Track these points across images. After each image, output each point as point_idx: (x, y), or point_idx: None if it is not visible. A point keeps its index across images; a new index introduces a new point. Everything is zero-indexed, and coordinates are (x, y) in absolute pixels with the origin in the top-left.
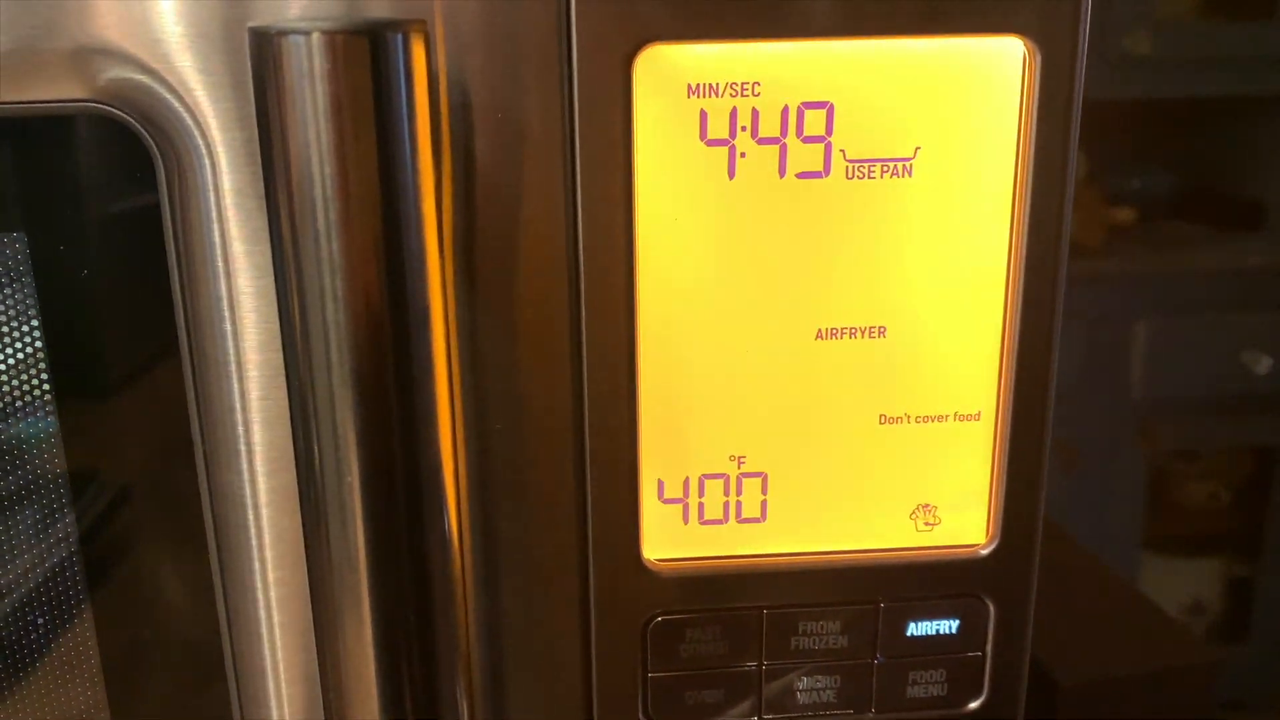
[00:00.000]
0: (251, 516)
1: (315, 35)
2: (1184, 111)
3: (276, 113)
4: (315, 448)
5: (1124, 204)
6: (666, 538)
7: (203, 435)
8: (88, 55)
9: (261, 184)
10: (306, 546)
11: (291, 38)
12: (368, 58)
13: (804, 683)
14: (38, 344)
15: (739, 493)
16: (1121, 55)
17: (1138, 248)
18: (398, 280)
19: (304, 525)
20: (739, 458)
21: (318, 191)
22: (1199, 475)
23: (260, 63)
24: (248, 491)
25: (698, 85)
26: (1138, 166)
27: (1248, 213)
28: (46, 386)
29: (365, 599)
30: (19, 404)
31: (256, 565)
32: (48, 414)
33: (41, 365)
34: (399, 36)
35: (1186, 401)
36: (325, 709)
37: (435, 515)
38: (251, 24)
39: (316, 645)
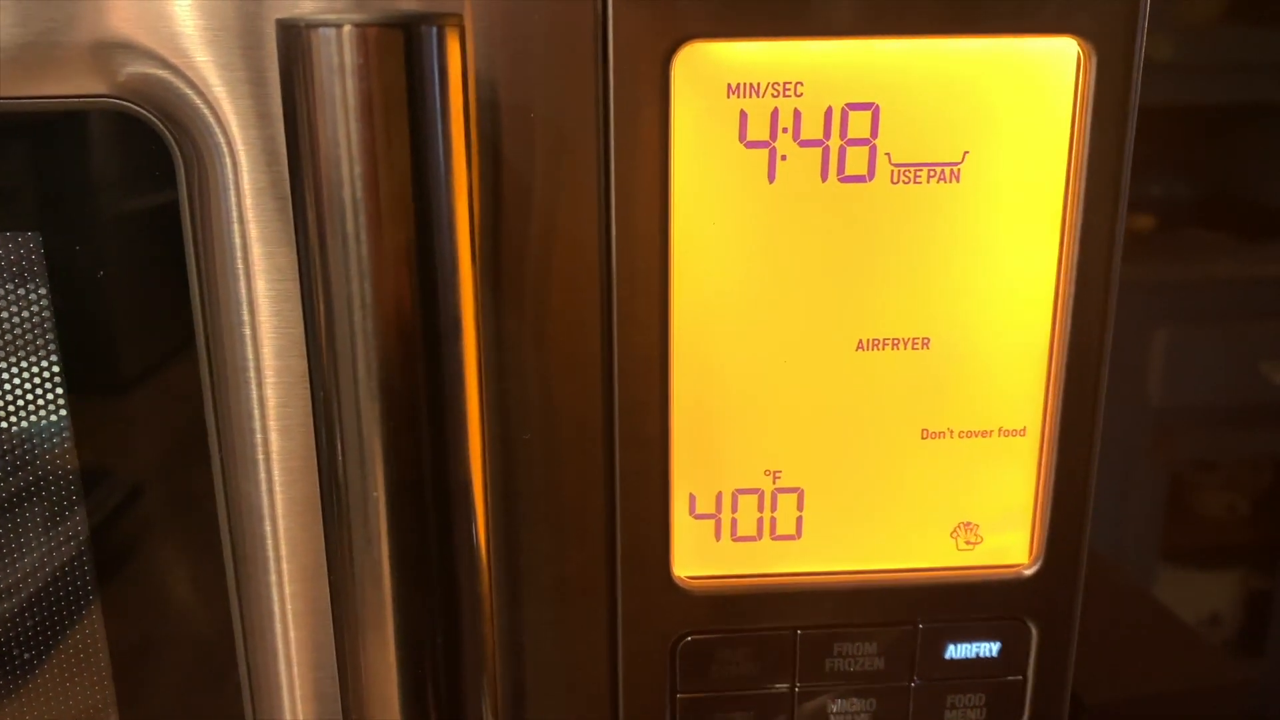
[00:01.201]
0: (269, 528)
1: (347, 28)
2: (1204, 118)
3: (305, 109)
4: (340, 459)
5: (1143, 211)
6: (697, 554)
7: (220, 443)
8: (107, 50)
9: (283, 184)
10: (329, 560)
11: (322, 30)
12: (401, 52)
13: (838, 705)
14: (52, 344)
15: (773, 509)
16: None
17: (1156, 255)
18: (429, 286)
19: (326, 539)
20: (774, 472)
21: (347, 192)
22: (1218, 486)
23: (288, 56)
24: (265, 502)
25: (738, 85)
26: (1157, 173)
27: (1268, 220)
28: (60, 388)
29: (389, 615)
30: (33, 404)
31: (273, 578)
32: (61, 414)
33: (55, 366)
34: (434, 30)
35: (1205, 411)
36: None
37: (463, 529)
38: (278, 17)
39: (338, 662)
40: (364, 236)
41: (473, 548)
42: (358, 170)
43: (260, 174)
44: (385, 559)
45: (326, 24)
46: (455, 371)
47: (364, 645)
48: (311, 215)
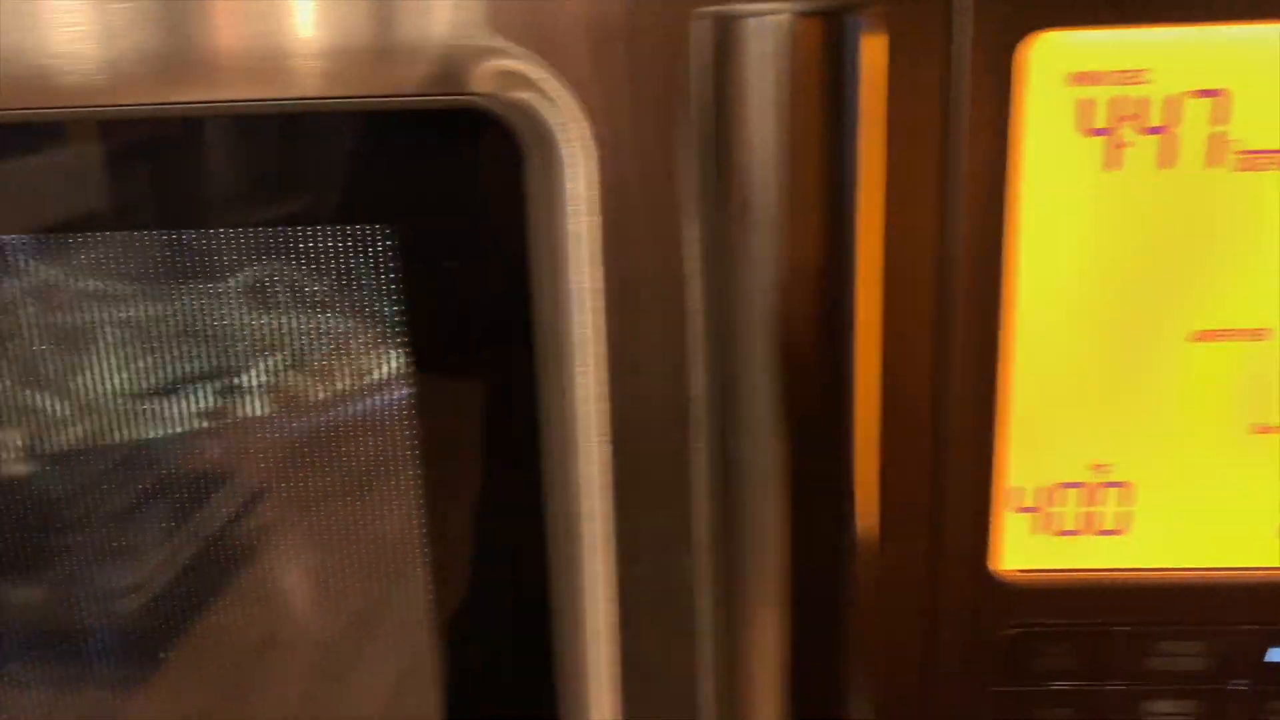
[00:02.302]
0: (597, 507)
1: (782, 17)
2: None
3: (729, 95)
4: (732, 456)
5: None
6: (1019, 548)
7: (552, 429)
8: (461, 49)
9: (628, 178)
10: (719, 542)
11: (752, 20)
12: (830, 41)
13: (1157, 706)
14: (402, 337)
15: (1099, 503)
16: None
17: None
18: (837, 274)
19: (717, 523)
20: (1100, 466)
21: (762, 181)
22: None
23: (710, 46)
24: (596, 484)
25: (1081, 73)
26: None
27: None
28: (410, 375)
29: (779, 602)
30: (380, 390)
31: (599, 555)
32: (408, 403)
33: (406, 357)
34: (858, 21)
35: None
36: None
37: (849, 520)
38: (701, 9)
39: (717, 645)
40: (781, 221)
41: (853, 536)
42: (777, 158)
43: (604, 168)
44: (778, 546)
45: (756, 14)
46: (849, 360)
47: (750, 629)
48: (725, 202)
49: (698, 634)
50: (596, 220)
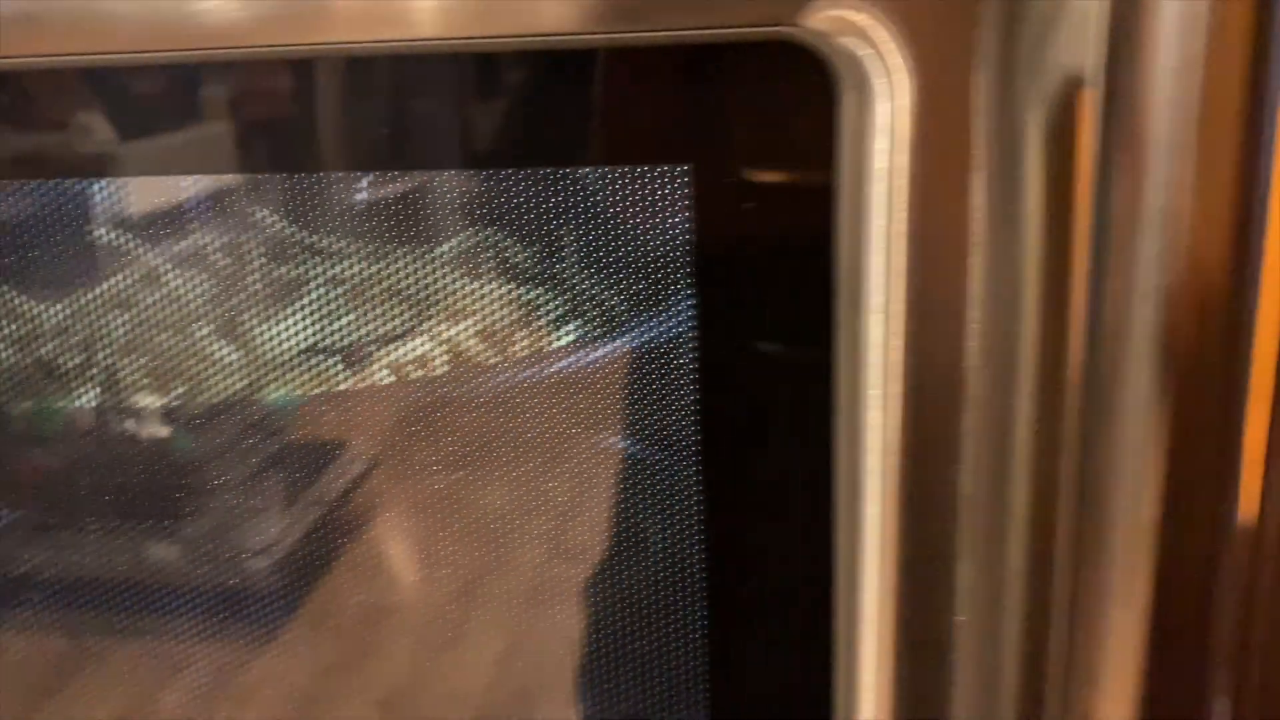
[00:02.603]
0: (879, 463)
1: None
2: None
3: (1125, 42)
4: (1093, 429)
5: None
6: None
7: (843, 378)
8: None
9: (941, 118)
10: (1088, 508)
11: None
12: None
13: None
14: (690, 280)
15: None
16: None
17: None
18: (1246, 236)
19: (1087, 494)
20: None
21: (1170, 126)
22: None
23: None
24: (880, 436)
25: None
26: None
27: None
28: (697, 318)
29: (1142, 591)
30: (664, 330)
31: (883, 522)
32: (693, 348)
33: (694, 300)
34: None
35: None
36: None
37: (1230, 506)
38: None
39: (1073, 627)
40: (1186, 167)
41: (1235, 521)
42: (1192, 106)
43: (918, 106)
44: (1147, 532)
45: None
46: (1251, 329)
47: (1105, 615)
48: (1122, 152)
49: (956, 603)
50: (905, 160)
